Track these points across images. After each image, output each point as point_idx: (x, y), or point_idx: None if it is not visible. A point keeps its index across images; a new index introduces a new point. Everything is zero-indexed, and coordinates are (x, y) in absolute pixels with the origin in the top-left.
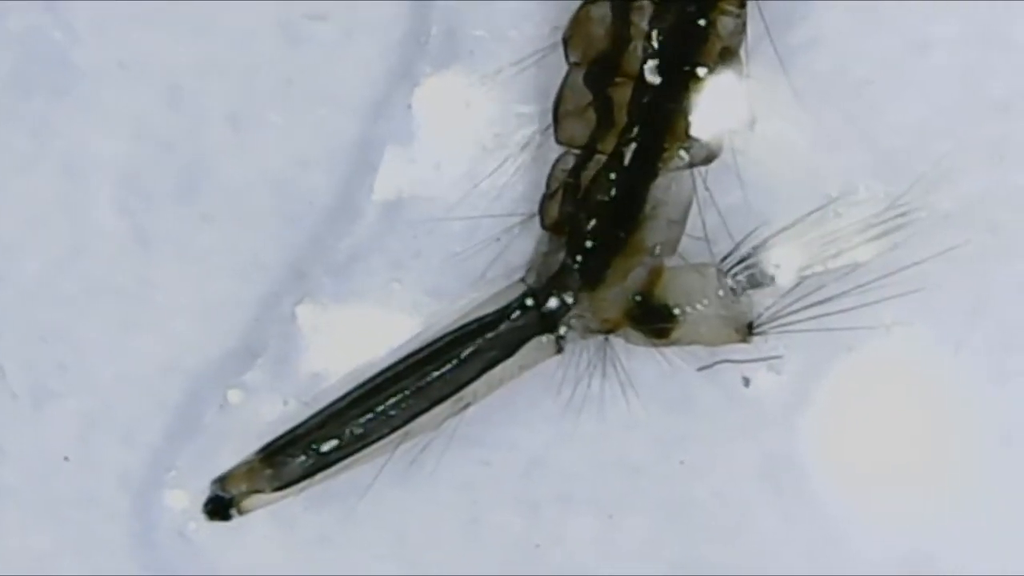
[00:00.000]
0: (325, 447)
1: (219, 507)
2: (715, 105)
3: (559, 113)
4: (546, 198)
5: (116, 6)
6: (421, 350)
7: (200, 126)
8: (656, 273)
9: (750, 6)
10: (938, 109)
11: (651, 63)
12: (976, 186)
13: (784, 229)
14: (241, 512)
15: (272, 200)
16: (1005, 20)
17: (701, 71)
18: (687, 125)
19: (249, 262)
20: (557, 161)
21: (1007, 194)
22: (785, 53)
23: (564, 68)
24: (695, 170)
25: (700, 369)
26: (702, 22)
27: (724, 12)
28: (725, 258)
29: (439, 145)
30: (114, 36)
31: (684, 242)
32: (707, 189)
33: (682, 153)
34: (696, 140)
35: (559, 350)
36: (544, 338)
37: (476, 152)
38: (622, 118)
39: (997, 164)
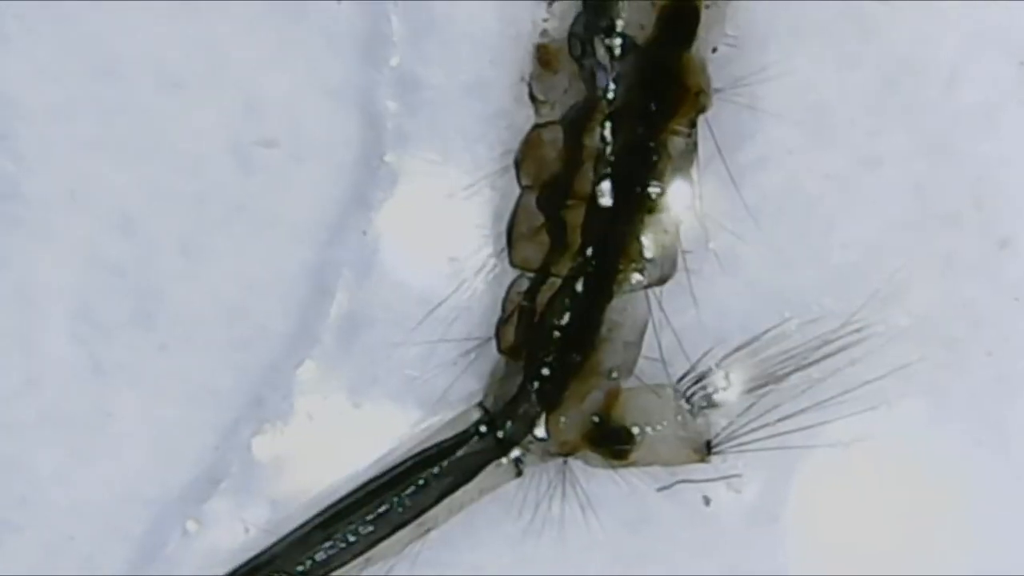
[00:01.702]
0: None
1: None
2: (668, 225)
3: (512, 236)
4: (501, 322)
5: (66, 135)
6: (381, 476)
7: (153, 254)
8: (613, 395)
9: (700, 125)
10: (889, 224)
11: (603, 185)
12: (929, 301)
13: (739, 348)
14: None
15: (227, 327)
16: (952, 131)
17: (653, 192)
18: (640, 246)
19: (206, 389)
20: (512, 284)
21: (960, 307)
22: (736, 171)
23: (517, 191)
24: (650, 291)
25: (660, 489)
26: (652, 143)
27: (675, 132)
28: (681, 378)
29: (394, 270)
30: (64, 165)
31: (640, 363)
32: (662, 310)
33: (636, 274)
34: (650, 261)
35: (518, 473)
36: (503, 462)
37: (432, 276)
38: (575, 240)
39: (950, 277)
